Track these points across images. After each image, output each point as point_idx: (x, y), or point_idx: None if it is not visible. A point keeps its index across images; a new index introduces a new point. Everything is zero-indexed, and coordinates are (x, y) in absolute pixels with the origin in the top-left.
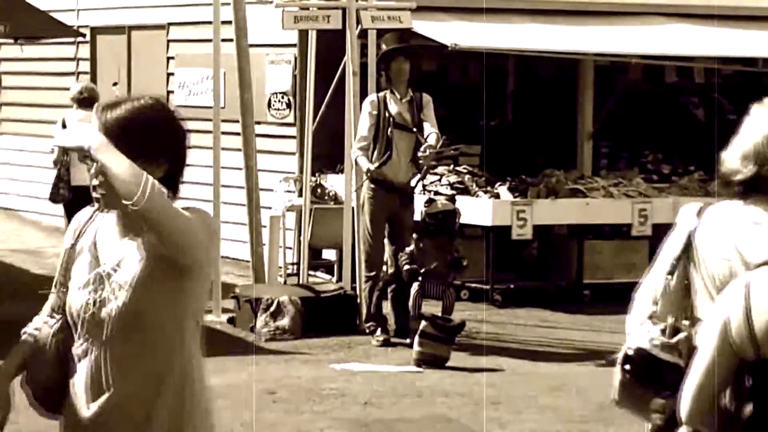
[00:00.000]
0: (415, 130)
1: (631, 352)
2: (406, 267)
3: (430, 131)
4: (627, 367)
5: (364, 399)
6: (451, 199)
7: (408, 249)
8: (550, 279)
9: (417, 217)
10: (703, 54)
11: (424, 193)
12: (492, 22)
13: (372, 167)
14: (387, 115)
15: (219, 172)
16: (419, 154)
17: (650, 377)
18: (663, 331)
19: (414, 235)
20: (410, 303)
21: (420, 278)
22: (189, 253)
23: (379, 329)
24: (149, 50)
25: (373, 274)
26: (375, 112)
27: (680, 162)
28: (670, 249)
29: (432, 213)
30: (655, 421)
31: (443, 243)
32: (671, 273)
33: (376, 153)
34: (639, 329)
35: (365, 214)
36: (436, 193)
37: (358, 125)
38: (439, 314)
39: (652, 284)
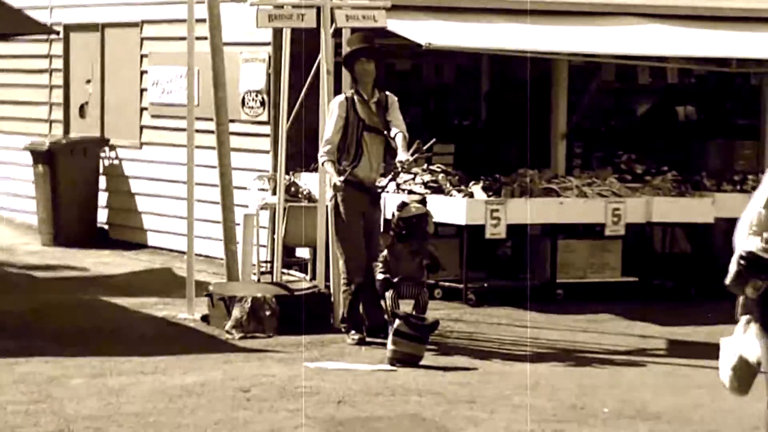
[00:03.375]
0: (385, 132)
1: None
2: (380, 276)
3: (397, 132)
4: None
5: (337, 397)
6: (422, 201)
7: (381, 256)
8: (523, 278)
9: (384, 217)
10: (677, 54)
11: (397, 192)
12: (467, 21)
13: (339, 181)
14: (356, 117)
15: (193, 169)
16: (397, 160)
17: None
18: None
19: (385, 240)
20: (387, 305)
21: (394, 287)
22: None
23: (353, 330)
24: (123, 48)
25: (355, 282)
26: (344, 115)
27: (653, 162)
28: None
29: (405, 217)
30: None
31: (416, 246)
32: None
33: (346, 155)
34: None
35: (341, 216)
36: (410, 191)
37: (325, 127)
38: (413, 313)
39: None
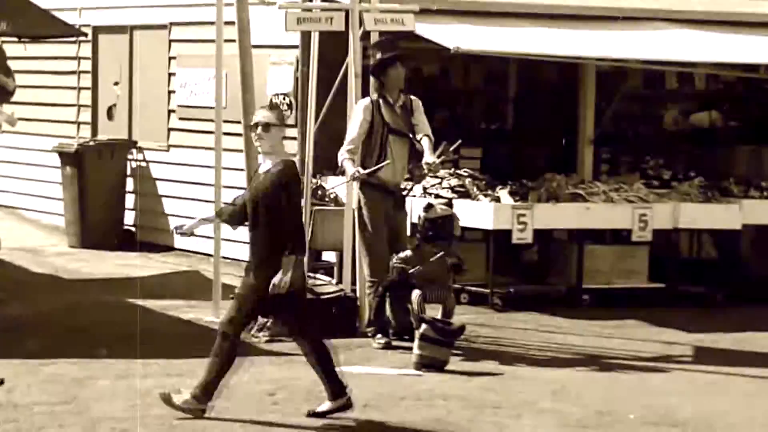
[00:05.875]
0: (411, 135)
1: None
2: (399, 268)
3: (423, 135)
4: None
5: (363, 401)
6: (448, 203)
7: (402, 253)
8: (549, 283)
9: (411, 220)
10: (705, 60)
11: (424, 196)
12: (494, 25)
13: (360, 172)
14: (382, 120)
15: (220, 172)
16: (424, 162)
17: None
18: None
19: (411, 243)
20: (414, 308)
21: (413, 280)
22: None
23: (379, 334)
24: (151, 50)
25: (380, 283)
26: (369, 118)
27: (681, 167)
28: None
29: (432, 218)
30: None
31: (442, 248)
32: None
33: (369, 158)
34: None
35: (365, 219)
36: (437, 196)
37: (349, 127)
38: (440, 317)
39: None
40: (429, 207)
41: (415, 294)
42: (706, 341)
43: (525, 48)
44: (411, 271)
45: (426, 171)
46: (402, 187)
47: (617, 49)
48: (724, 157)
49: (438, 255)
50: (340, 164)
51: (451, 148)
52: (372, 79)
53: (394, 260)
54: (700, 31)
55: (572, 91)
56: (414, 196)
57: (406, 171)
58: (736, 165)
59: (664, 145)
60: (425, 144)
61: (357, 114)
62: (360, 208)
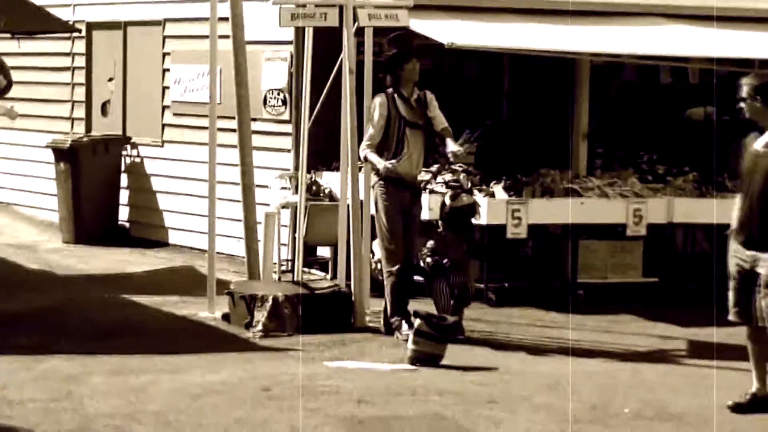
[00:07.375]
0: (426, 127)
1: None
2: (429, 260)
3: (442, 128)
4: None
5: (358, 396)
6: (470, 191)
7: (429, 243)
8: (544, 278)
9: (427, 211)
10: (699, 55)
11: (425, 190)
12: (488, 21)
13: (389, 165)
14: (398, 114)
15: (215, 168)
16: (449, 151)
17: None
18: None
19: (438, 229)
20: (435, 297)
21: (445, 271)
22: None
23: (404, 324)
24: (145, 46)
25: (395, 268)
26: (385, 113)
27: (675, 162)
28: None
29: (458, 207)
30: None
31: (465, 235)
32: None
33: (387, 151)
34: None
35: (380, 211)
36: (432, 191)
37: (368, 123)
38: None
39: None
40: (455, 196)
41: (439, 285)
42: (700, 335)
43: (519, 43)
44: (445, 261)
45: (452, 159)
46: (419, 179)
47: (611, 44)
48: (718, 151)
49: (460, 240)
50: (362, 159)
51: (473, 137)
52: (369, 74)
53: (425, 251)
54: (695, 27)
55: (566, 86)
56: (431, 191)
57: (422, 163)
58: (730, 160)
59: (658, 139)
60: (447, 136)
61: (374, 110)
62: (376, 201)
